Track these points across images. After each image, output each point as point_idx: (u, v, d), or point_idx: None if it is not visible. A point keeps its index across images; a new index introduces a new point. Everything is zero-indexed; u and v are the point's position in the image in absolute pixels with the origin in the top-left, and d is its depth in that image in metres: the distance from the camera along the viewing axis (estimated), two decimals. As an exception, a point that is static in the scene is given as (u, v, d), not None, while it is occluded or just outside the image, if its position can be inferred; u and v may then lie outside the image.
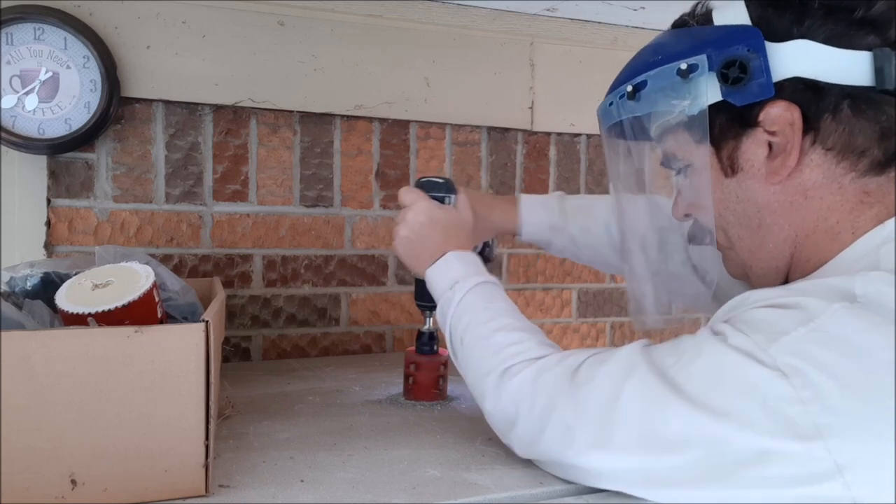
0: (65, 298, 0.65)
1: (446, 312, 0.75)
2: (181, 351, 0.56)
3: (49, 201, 1.11)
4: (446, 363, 0.93)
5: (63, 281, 0.70)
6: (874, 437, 0.47)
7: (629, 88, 0.65)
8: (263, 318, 1.24)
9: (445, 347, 0.78)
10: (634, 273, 0.74)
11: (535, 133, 1.43)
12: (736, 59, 0.58)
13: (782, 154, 0.59)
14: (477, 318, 0.72)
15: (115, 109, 1.12)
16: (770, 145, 0.59)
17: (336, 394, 0.96)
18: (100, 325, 0.62)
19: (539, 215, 0.93)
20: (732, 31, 0.59)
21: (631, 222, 0.74)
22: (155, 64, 1.14)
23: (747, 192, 0.62)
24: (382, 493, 0.61)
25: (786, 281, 0.64)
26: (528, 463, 0.66)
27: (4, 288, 0.74)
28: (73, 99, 1.08)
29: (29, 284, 0.74)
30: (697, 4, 0.65)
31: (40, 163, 1.10)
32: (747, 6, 0.59)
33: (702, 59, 0.60)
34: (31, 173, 1.10)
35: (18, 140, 1.05)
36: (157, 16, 1.14)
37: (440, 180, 0.86)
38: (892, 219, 0.57)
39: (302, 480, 0.64)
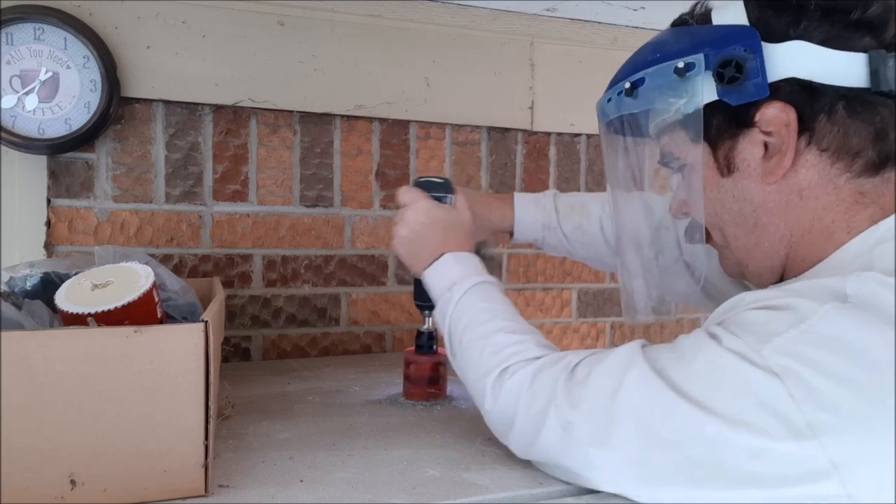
0: (64, 298, 0.65)
1: (445, 313, 0.75)
2: (181, 351, 0.56)
3: (49, 201, 1.11)
4: (445, 363, 0.93)
5: (63, 281, 0.70)
6: (868, 434, 0.47)
7: (627, 85, 0.66)
8: (263, 318, 1.24)
9: (444, 347, 0.78)
10: (627, 268, 0.74)
11: (535, 133, 1.43)
12: (732, 59, 0.58)
13: (778, 154, 0.59)
14: (475, 319, 0.72)
15: (115, 109, 1.12)
16: (766, 145, 0.60)
17: (336, 394, 0.96)
18: (99, 326, 0.62)
19: (532, 214, 0.94)
20: (730, 31, 0.60)
21: (627, 218, 0.74)
22: (155, 64, 1.14)
23: (743, 192, 0.62)
24: (382, 493, 0.61)
25: (781, 279, 0.64)
26: (528, 463, 0.66)
27: (4, 288, 0.74)
28: (73, 99, 1.08)
29: (28, 284, 0.74)
30: (697, 4, 0.65)
31: (40, 163, 1.10)
32: (746, 7, 0.60)
33: (699, 58, 0.60)
34: (31, 173, 1.10)
35: (18, 140, 1.06)
36: (157, 16, 1.15)
37: (439, 180, 0.86)
38: (886, 219, 0.57)
39: (301, 480, 0.64)
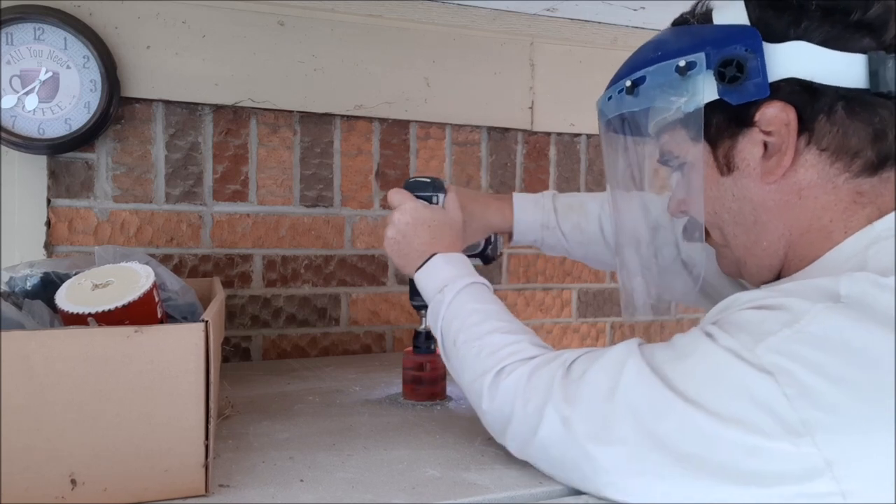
0: (65, 298, 0.65)
1: (437, 315, 0.75)
2: (181, 351, 0.56)
3: (49, 201, 1.11)
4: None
5: (63, 281, 0.70)
6: (861, 432, 0.47)
7: (628, 83, 0.66)
8: (263, 318, 1.24)
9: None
10: (627, 267, 0.75)
11: (535, 133, 1.43)
12: (733, 59, 0.58)
13: (777, 154, 0.59)
14: (469, 321, 0.72)
15: (115, 109, 1.12)
16: (765, 145, 0.60)
17: (336, 394, 0.96)
18: (100, 325, 0.62)
19: (531, 214, 0.94)
20: (731, 31, 0.60)
21: (626, 218, 0.74)
22: (155, 64, 1.14)
23: (743, 191, 0.63)
24: (382, 493, 0.61)
25: (779, 278, 0.64)
26: (528, 463, 0.66)
27: (4, 288, 0.74)
28: (73, 99, 1.08)
29: (29, 284, 0.74)
30: (698, 3, 0.65)
31: (40, 163, 1.10)
32: (746, 7, 0.60)
33: (700, 58, 0.60)
34: (31, 173, 1.10)
35: (18, 140, 1.06)
36: (157, 16, 1.15)
37: (427, 180, 0.87)
38: (881, 220, 0.58)
39: (301, 480, 0.64)
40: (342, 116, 1.27)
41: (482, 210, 0.91)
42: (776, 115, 0.58)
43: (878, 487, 0.47)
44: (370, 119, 1.30)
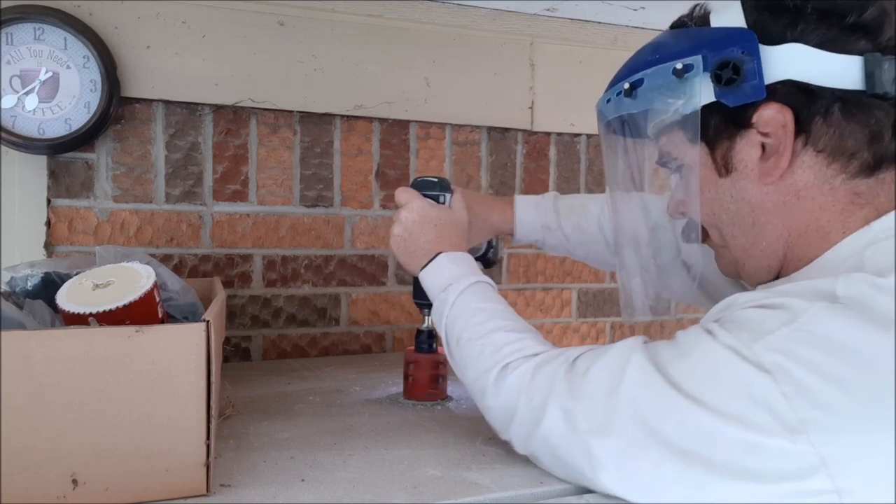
0: (66, 298, 0.65)
1: (441, 314, 0.76)
2: (182, 351, 0.57)
3: (49, 201, 1.11)
4: (446, 362, 0.93)
5: (64, 281, 0.70)
6: (857, 431, 0.48)
7: (626, 86, 0.66)
8: (263, 318, 1.24)
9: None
10: (626, 268, 0.75)
11: (535, 133, 1.43)
12: (730, 61, 0.59)
13: (775, 155, 0.60)
14: (473, 319, 0.72)
15: (115, 109, 1.12)
16: (763, 146, 0.61)
17: (336, 394, 0.96)
18: (101, 325, 0.62)
19: (533, 215, 0.95)
20: (728, 34, 0.60)
21: (625, 218, 0.75)
22: (155, 64, 1.14)
23: (741, 192, 0.63)
24: (383, 493, 0.61)
25: (777, 279, 0.65)
26: (529, 462, 0.66)
27: (5, 288, 0.74)
28: (73, 99, 1.08)
29: (30, 284, 0.74)
30: (696, 6, 0.66)
31: (40, 163, 1.10)
32: (743, 9, 0.61)
33: (697, 60, 0.61)
34: (31, 173, 1.10)
35: (18, 140, 1.06)
36: (157, 16, 1.15)
37: (434, 179, 0.88)
38: (878, 220, 0.58)
39: (303, 480, 0.64)
40: (342, 116, 1.27)
41: (486, 212, 0.92)
42: (773, 117, 0.59)
43: (874, 486, 0.48)
44: (370, 119, 1.30)
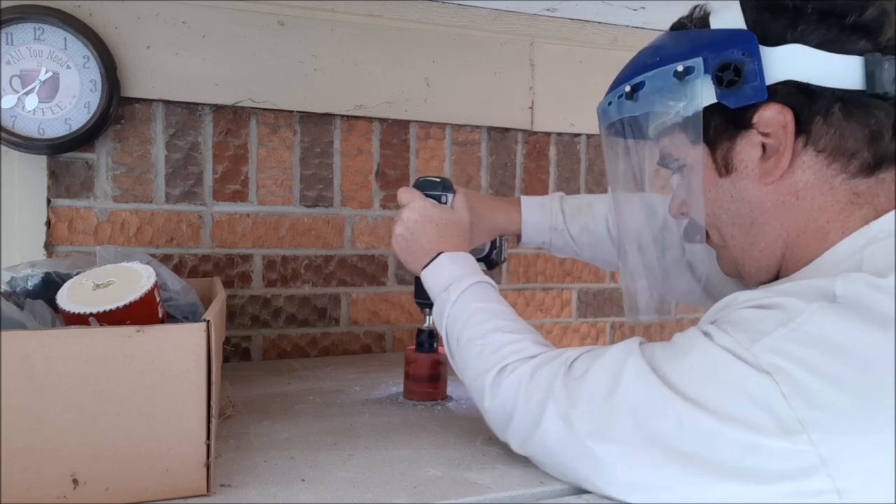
0: (66, 298, 0.65)
1: (442, 313, 0.76)
2: (182, 350, 0.57)
3: (49, 201, 1.11)
4: (446, 362, 0.93)
5: (64, 281, 0.70)
6: (856, 430, 0.48)
7: (627, 89, 0.67)
8: (263, 318, 1.24)
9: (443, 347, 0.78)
10: (630, 269, 0.75)
11: (535, 133, 1.43)
12: (731, 63, 0.59)
13: (775, 155, 0.60)
14: (473, 319, 0.72)
15: (115, 109, 1.12)
16: (763, 146, 0.61)
17: (336, 394, 0.96)
18: (101, 325, 0.62)
19: (539, 216, 0.95)
20: (728, 35, 0.60)
21: (628, 219, 0.75)
22: (155, 64, 1.14)
23: (741, 192, 0.63)
24: (383, 493, 0.61)
25: (777, 279, 0.65)
26: (529, 462, 0.67)
27: (5, 288, 0.74)
28: (73, 99, 1.08)
29: (30, 284, 0.74)
30: (696, 8, 0.66)
31: (40, 163, 1.10)
32: (743, 11, 0.61)
33: (698, 62, 0.61)
34: (31, 173, 1.10)
35: (18, 140, 1.06)
36: (157, 16, 1.15)
37: (437, 179, 0.88)
38: (877, 221, 0.58)
39: (303, 480, 0.64)
40: (342, 116, 1.27)
41: (489, 212, 0.92)
42: (774, 118, 0.59)
43: (874, 485, 0.48)
44: (370, 119, 1.30)
